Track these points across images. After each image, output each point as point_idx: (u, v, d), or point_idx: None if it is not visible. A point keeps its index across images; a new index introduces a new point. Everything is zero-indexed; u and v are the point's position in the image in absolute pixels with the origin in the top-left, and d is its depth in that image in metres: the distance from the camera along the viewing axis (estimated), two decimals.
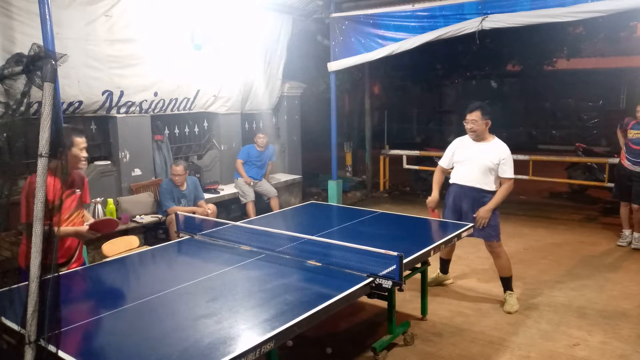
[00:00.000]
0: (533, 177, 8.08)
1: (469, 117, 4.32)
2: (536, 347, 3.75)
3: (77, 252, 3.37)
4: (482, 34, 6.34)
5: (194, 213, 5.09)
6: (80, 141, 3.20)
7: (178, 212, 4.34)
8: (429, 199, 4.61)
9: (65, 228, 3.27)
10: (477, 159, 4.33)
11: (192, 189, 5.97)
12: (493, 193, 4.32)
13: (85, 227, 3.21)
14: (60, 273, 2.16)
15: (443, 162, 4.64)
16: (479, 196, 4.35)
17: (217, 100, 7.24)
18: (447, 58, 12.41)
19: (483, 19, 6.21)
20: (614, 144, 7.03)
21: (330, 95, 8.21)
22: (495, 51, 11.69)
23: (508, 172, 4.29)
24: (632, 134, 5.95)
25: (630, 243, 6.08)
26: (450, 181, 4.59)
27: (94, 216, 5.13)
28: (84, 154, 3.25)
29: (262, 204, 7.38)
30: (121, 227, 5.61)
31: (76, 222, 3.29)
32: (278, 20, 7.98)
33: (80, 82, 5.40)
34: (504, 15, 6.13)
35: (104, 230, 3.29)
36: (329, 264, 3.26)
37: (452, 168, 4.59)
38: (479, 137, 4.36)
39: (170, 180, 5.87)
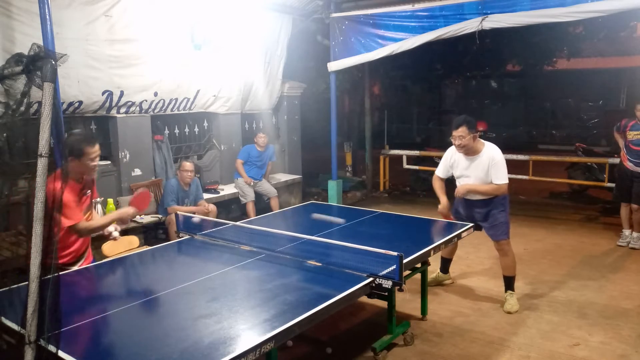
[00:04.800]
0: (533, 177, 8.08)
1: (455, 133, 4.15)
2: (536, 347, 3.74)
3: (87, 251, 3.38)
4: (482, 34, 6.34)
5: (194, 213, 5.08)
6: (92, 151, 3.09)
7: (178, 212, 4.34)
8: (440, 207, 4.46)
9: (105, 217, 3.43)
10: (473, 176, 4.27)
11: (194, 189, 5.99)
12: (501, 196, 4.29)
13: (125, 208, 3.34)
14: (61, 273, 2.16)
15: (440, 172, 4.57)
16: (486, 205, 4.32)
17: (217, 100, 7.25)
18: (447, 58, 12.42)
19: (483, 19, 6.20)
20: (614, 144, 7.04)
21: (330, 95, 8.20)
22: (495, 51, 11.71)
23: (495, 177, 4.15)
24: (632, 135, 5.93)
25: (629, 243, 6.08)
26: None
27: None
28: (95, 162, 3.16)
29: (262, 204, 7.39)
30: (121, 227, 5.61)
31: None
32: (278, 20, 7.98)
33: (80, 82, 5.40)
34: (504, 15, 6.13)
35: (142, 206, 3.39)
36: (329, 264, 3.26)
37: (450, 176, 4.53)
38: (469, 152, 4.22)
39: (177, 180, 5.86)
